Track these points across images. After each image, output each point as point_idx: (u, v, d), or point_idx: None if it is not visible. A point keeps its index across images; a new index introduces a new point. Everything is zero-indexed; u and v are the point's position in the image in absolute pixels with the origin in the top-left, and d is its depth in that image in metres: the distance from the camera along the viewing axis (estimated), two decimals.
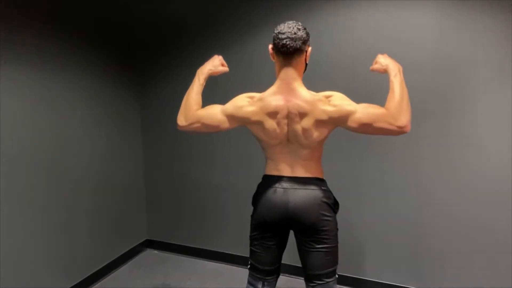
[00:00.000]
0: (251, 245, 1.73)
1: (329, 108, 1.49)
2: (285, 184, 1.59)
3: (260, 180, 1.72)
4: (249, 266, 1.76)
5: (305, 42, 1.49)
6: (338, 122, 1.51)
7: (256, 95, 1.60)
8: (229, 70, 1.80)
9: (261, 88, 1.63)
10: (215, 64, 1.75)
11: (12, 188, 2.13)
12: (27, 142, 2.21)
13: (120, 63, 2.97)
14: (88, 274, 2.69)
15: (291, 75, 1.52)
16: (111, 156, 2.90)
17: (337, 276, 1.67)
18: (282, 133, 1.54)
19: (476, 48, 2.16)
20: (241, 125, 1.63)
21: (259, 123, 1.55)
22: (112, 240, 2.95)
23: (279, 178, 1.61)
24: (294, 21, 1.51)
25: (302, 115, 1.50)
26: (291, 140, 1.56)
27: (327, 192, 1.62)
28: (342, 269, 1.69)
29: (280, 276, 1.80)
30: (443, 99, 2.27)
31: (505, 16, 2.08)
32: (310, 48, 1.57)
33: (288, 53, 1.48)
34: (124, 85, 3.02)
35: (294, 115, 1.50)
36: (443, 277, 2.41)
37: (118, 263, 2.99)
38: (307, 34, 1.51)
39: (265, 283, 1.71)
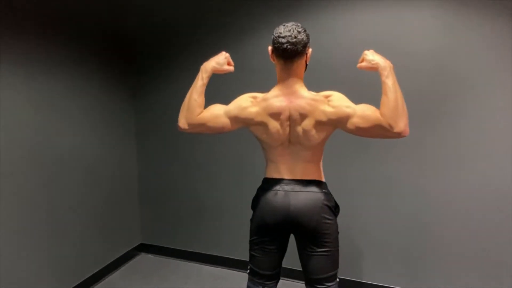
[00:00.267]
0: (250, 249, 1.69)
1: (328, 109, 1.47)
2: (286, 187, 1.56)
3: (259, 182, 1.68)
4: (248, 271, 1.73)
5: (305, 45, 1.48)
6: (336, 124, 1.49)
7: (259, 95, 1.57)
8: (234, 72, 1.72)
9: (262, 88, 1.60)
10: (220, 61, 1.63)
11: (2, 191, 2.07)
12: (18, 145, 2.16)
13: (115, 65, 2.92)
14: (81, 280, 2.63)
15: (292, 77, 1.51)
16: (105, 159, 2.85)
17: (338, 280, 1.65)
18: (285, 135, 1.53)
19: (474, 50, 2.16)
20: (244, 127, 1.60)
21: (262, 124, 1.53)
22: (105, 245, 2.90)
23: (280, 181, 1.58)
24: (294, 23, 1.48)
25: (303, 116, 1.49)
26: (292, 141, 1.54)
27: (328, 195, 1.60)
28: (340, 272, 1.68)
29: (280, 279, 1.76)
30: (442, 100, 2.26)
31: (504, 18, 2.08)
32: (310, 50, 1.55)
33: (289, 57, 1.47)
34: (119, 88, 2.98)
35: (295, 116, 1.49)
36: (442, 279, 2.40)
37: (112, 268, 2.93)
38: (307, 36, 1.48)
39: None
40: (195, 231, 3.10)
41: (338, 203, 1.65)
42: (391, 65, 1.48)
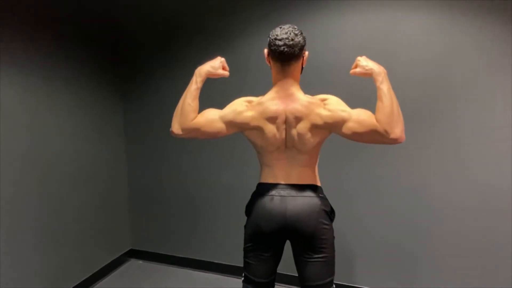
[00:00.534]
0: (245, 257, 1.65)
1: (324, 112, 1.45)
2: (282, 192, 1.53)
3: (253, 186, 1.65)
4: (243, 279, 1.68)
5: (302, 47, 1.46)
6: (332, 128, 1.47)
7: (254, 99, 1.55)
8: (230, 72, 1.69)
9: (257, 90, 1.57)
10: (215, 65, 1.60)
11: None
12: (6, 149, 2.08)
13: (104, 67, 2.85)
14: None
15: (288, 80, 1.49)
16: (94, 162, 2.79)
17: (334, 286, 1.62)
18: (281, 139, 1.50)
19: (470, 53, 2.16)
20: (239, 131, 1.57)
21: (258, 129, 1.50)
22: (94, 251, 2.82)
23: (275, 186, 1.55)
24: (290, 25, 1.46)
25: (298, 119, 1.47)
26: (288, 145, 1.52)
27: (325, 200, 1.57)
28: (335, 277, 1.67)
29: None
30: (437, 102, 2.26)
31: (501, 22, 2.09)
32: (307, 53, 1.53)
33: (286, 59, 1.44)
34: (107, 90, 2.91)
35: (291, 120, 1.47)
36: (437, 282, 2.39)
37: (100, 275, 2.86)
38: (304, 39, 1.47)
39: None
40: (187, 236, 3.04)
41: (333, 206, 1.62)
42: (385, 71, 1.47)
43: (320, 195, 1.56)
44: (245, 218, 1.67)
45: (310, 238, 1.51)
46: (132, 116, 3.07)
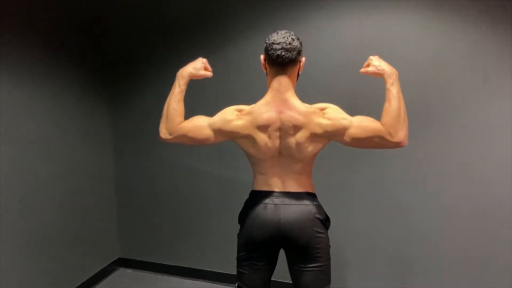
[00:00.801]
0: (238, 266, 1.62)
1: (324, 121, 1.44)
2: (276, 200, 1.50)
3: (246, 192, 1.62)
4: None
5: (299, 52, 1.45)
6: (332, 136, 1.46)
7: (245, 107, 1.52)
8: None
9: (250, 95, 1.55)
10: (197, 66, 1.60)
11: None
12: None
13: (91, 71, 2.79)
14: None
15: (284, 86, 1.46)
16: (80, 169, 2.71)
17: None
18: (274, 147, 1.47)
19: (462, 54, 2.17)
20: (229, 139, 1.55)
21: (249, 137, 1.48)
22: (81, 260, 2.75)
23: (269, 194, 1.52)
24: (286, 31, 1.45)
25: (297, 127, 1.44)
26: (283, 153, 1.49)
27: (319, 208, 1.55)
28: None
29: None
30: (432, 104, 2.25)
31: (498, 23, 2.11)
32: (303, 59, 1.52)
33: (283, 64, 1.43)
34: (95, 96, 2.85)
35: (288, 128, 1.44)
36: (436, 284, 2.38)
37: (88, 285, 2.78)
38: (301, 44, 1.46)
39: None
40: (177, 244, 2.99)
41: (328, 212, 1.59)
42: (397, 72, 1.48)
43: (315, 203, 1.53)
44: (238, 224, 1.64)
45: (304, 247, 1.48)
46: (120, 122, 3.01)
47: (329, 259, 1.56)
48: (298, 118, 1.43)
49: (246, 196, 1.63)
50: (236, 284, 1.65)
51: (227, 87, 2.59)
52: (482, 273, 2.28)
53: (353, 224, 2.50)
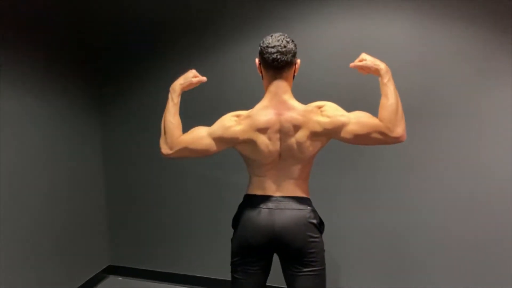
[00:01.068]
0: (232, 271, 1.60)
1: (322, 119, 1.44)
2: (270, 204, 1.50)
3: (239, 197, 1.62)
4: None
5: (294, 54, 1.46)
6: (332, 134, 1.46)
7: (243, 113, 1.52)
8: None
9: (246, 100, 1.55)
10: (188, 76, 1.62)
11: None
12: None
13: (79, 77, 2.76)
14: None
15: (281, 89, 1.47)
16: (69, 175, 2.68)
17: None
18: (275, 149, 1.47)
19: (452, 57, 2.21)
20: (229, 147, 1.54)
21: (250, 142, 1.47)
22: (70, 269, 2.69)
23: (263, 198, 1.52)
24: (281, 33, 1.46)
25: (297, 127, 1.44)
26: (283, 156, 1.49)
27: (314, 212, 1.55)
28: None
29: None
30: (423, 107, 2.28)
31: (482, 25, 2.15)
32: (299, 61, 1.53)
33: (278, 67, 1.43)
34: (84, 103, 2.82)
35: (287, 129, 1.44)
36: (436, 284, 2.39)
37: None
38: (295, 46, 1.47)
39: None
40: (168, 250, 2.95)
41: (322, 216, 1.59)
42: (390, 70, 1.48)
43: (309, 207, 1.53)
44: (231, 229, 1.63)
45: (298, 252, 1.48)
46: (110, 130, 2.98)
47: (324, 263, 1.55)
48: (298, 118, 1.44)
49: (237, 200, 1.63)
50: None
51: (222, 92, 2.59)
52: (479, 273, 2.30)
53: (347, 226, 2.51)
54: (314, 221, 1.51)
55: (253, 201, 1.53)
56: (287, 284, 1.58)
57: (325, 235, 1.58)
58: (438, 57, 2.23)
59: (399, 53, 2.28)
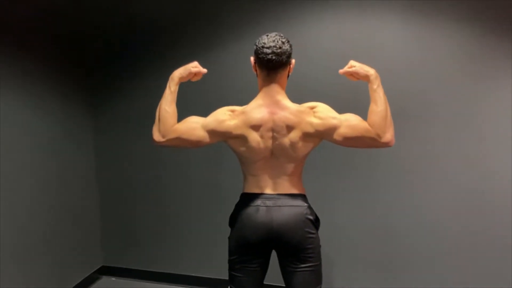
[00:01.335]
0: (230, 269, 1.61)
1: (314, 120, 1.46)
2: (268, 202, 1.51)
3: (234, 196, 1.62)
4: None
5: (289, 55, 1.47)
6: (323, 135, 1.48)
7: (238, 108, 1.53)
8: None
9: (241, 97, 1.55)
10: (188, 67, 1.59)
11: None
12: None
13: (72, 78, 2.74)
14: None
15: (275, 88, 1.49)
16: (61, 175, 2.64)
17: None
18: (266, 147, 1.49)
19: (445, 61, 2.24)
20: (222, 140, 1.55)
21: (241, 137, 1.49)
22: (62, 269, 2.66)
23: (260, 196, 1.53)
24: (277, 33, 1.47)
25: (290, 127, 1.46)
26: (275, 154, 1.50)
27: (310, 209, 1.57)
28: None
29: None
30: (416, 110, 2.31)
31: (475, 28, 2.19)
32: (293, 61, 1.54)
33: (273, 68, 1.45)
34: (77, 103, 2.79)
35: (280, 128, 1.46)
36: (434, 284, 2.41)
37: None
38: (291, 46, 1.47)
39: None
40: (162, 250, 2.94)
41: (317, 213, 1.60)
42: (379, 76, 1.49)
43: (306, 204, 1.55)
44: (226, 228, 1.64)
45: (297, 248, 1.50)
46: (103, 130, 2.95)
47: (320, 259, 1.58)
48: (291, 118, 1.45)
49: (233, 199, 1.64)
50: (229, 287, 1.64)
51: (218, 89, 2.59)
52: (479, 273, 2.31)
53: (342, 225, 2.53)
54: (311, 217, 1.53)
55: (250, 199, 1.54)
56: (285, 280, 1.60)
57: (323, 235, 1.60)
58: (438, 57, 2.25)
59: (398, 53, 2.30)
